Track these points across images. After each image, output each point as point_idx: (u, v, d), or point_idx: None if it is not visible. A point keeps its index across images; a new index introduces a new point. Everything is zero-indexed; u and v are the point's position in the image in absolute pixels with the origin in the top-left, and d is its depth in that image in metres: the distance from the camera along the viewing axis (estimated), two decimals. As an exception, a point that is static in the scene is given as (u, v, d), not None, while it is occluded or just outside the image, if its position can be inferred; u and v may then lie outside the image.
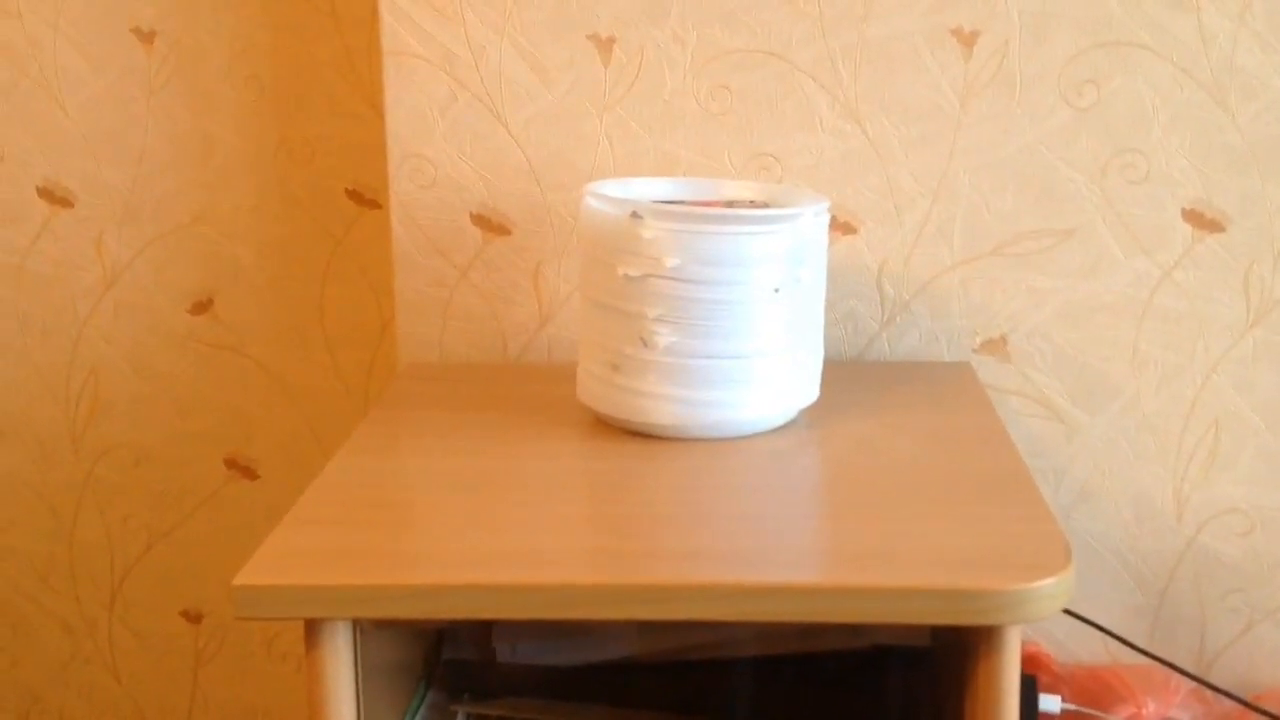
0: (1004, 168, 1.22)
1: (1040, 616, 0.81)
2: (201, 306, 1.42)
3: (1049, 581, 0.81)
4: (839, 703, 1.08)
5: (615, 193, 1.09)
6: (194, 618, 1.50)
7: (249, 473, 1.46)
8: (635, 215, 1.00)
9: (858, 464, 1.00)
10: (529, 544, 0.87)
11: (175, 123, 1.38)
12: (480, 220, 1.26)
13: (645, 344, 1.02)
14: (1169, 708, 1.25)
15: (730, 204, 1.10)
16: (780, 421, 1.07)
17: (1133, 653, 1.24)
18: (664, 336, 1.01)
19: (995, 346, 1.26)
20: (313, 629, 0.84)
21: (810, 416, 1.09)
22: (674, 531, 0.89)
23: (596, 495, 0.96)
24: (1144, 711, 1.24)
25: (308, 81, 1.36)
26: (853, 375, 1.21)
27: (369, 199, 1.38)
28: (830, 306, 1.23)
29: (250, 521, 1.47)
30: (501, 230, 1.26)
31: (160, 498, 1.47)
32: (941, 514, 0.91)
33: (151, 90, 1.37)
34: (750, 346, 1.02)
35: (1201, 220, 1.22)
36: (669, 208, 1.00)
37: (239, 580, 0.82)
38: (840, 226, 1.24)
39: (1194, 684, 1.25)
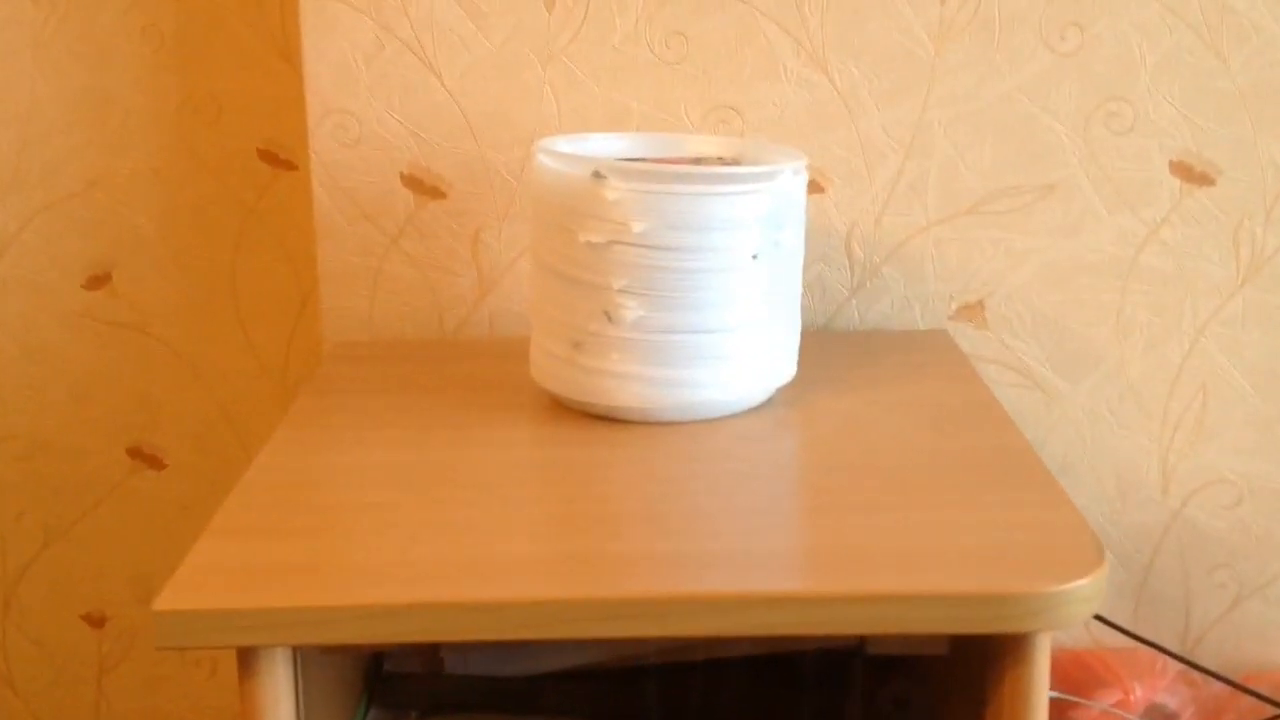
0: (981, 119, 1.13)
1: (1073, 622, 0.73)
2: (98, 281, 1.29)
3: (1083, 583, 0.72)
4: (815, 708, 1.00)
5: (568, 149, 0.98)
6: (97, 621, 1.37)
7: (155, 462, 1.33)
8: (597, 175, 0.89)
9: (847, 447, 0.91)
10: (487, 551, 0.76)
11: (66, 78, 1.24)
12: (412, 182, 1.14)
13: (610, 318, 0.91)
14: (1156, 692, 1.18)
15: (698, 161, 0.99)
16: (757, 401, 0.97)
17: (1116, 634, 1.17)
18: (631, 310, 0.91)
19: (972, 312, 1.17)
20: (248, 657, 0.73)
21: (786, 394, 1.00)
22: (649, 531, 0.79)
23: (559, 490, 0.85)
24: (1130, 697, 1.17)
25: (213, 31, 1.23)
26: (822, 346, 1.11)
27: (284, 160, 1.26)
28: (798, 272, 1.13)
29: (158, 516, 1.34)
30: (435, 192, 1.14)
31: (57, 492, 1.34)
32: (950, 504, 0.82)
33: (39, 43, 1.23)
34: (727, 319, 0.92)
35: (1190, 173, 1.14)
36: (634, 166, 0.90)
37: (161, 605, 0.71)
38: (807, 185, 1.14)
39: (1181, 666, 1.18)
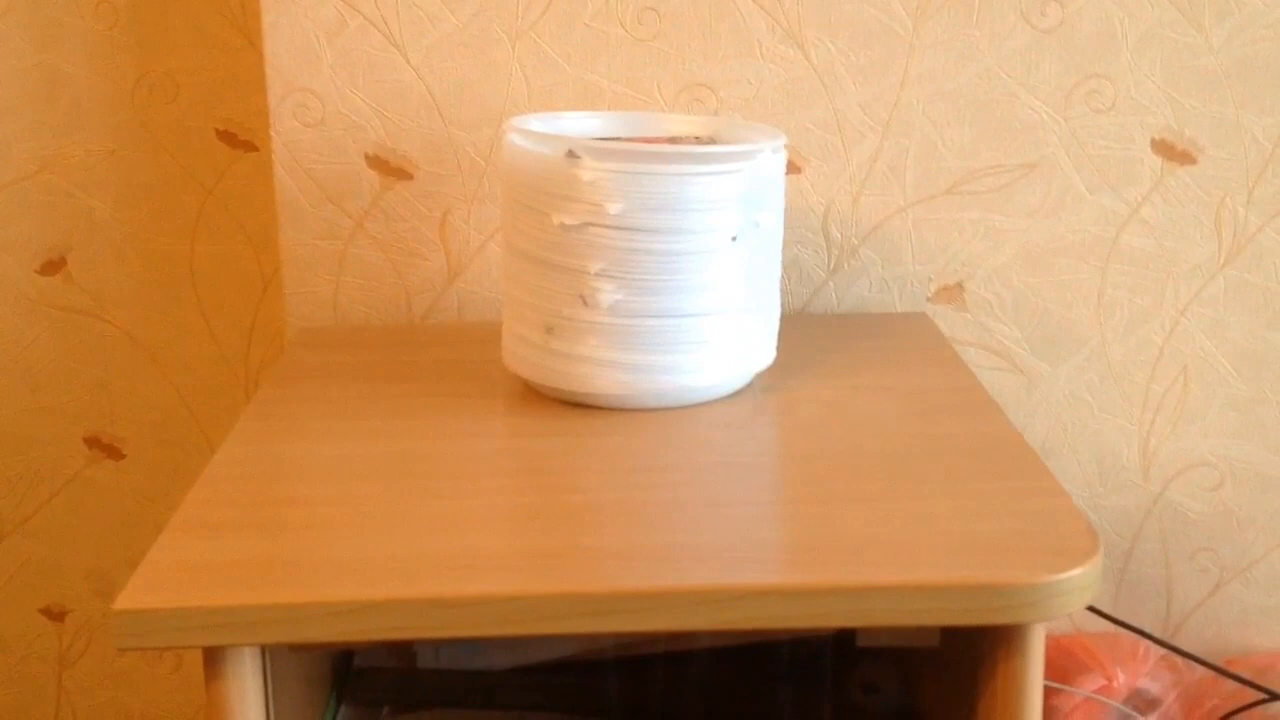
0: (960, 97, 1.10)
1: (1067, 611, 0.71)
2: (53, 266, 1.25)
3: (1078, 572, 0.70)
4: (789, 699, 0.98)
5: (540, 129, 0.95)
6: (56, 615, 1.34)
7: (113, 452, 1.30)
8: (571, 154, 0.86)
9: (829, 434, 0.88)
10: (460, 545, 0.73)
11: (16, 56, 1.20)
12: (377, 162, 1.11)
13: (585, 303, 0.88)
14: (1138, 677, 1.17)
15: (674, 140, 0.96)
16: (735, 387, 0.94)
17: (1097, 619, 1.16)
18: (607, 294, 0.88)
19: (951, 294, 1.15)
20: (214, 657, 0.70)
21: (765, 379, 0.97)
22: (627, 523, 0.76)
23: (533, 481, 0.82)
24: (1113, 684, 1.15)
25: (169, 6, 1.19)
26: (800, 330, 1.09)
27: (244, 140, 1.22)
28: (775, 254, 1.11)
29: (117, 507, 1.31)
30: (402, 173, 1.11)
31: (13, 483, 1.30)
32: (937, 492, 0.79)
33: (-15, 18, 1.19)
34: (706, 303, 0.89)
35: (1172, 151, 1.12)
36: (610, 145, 0.87)
37: (122, 603, 0.68)
38: (783, 164, 1.11)
39: (1164, 650, 1.16)
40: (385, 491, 0.80)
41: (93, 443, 1.30)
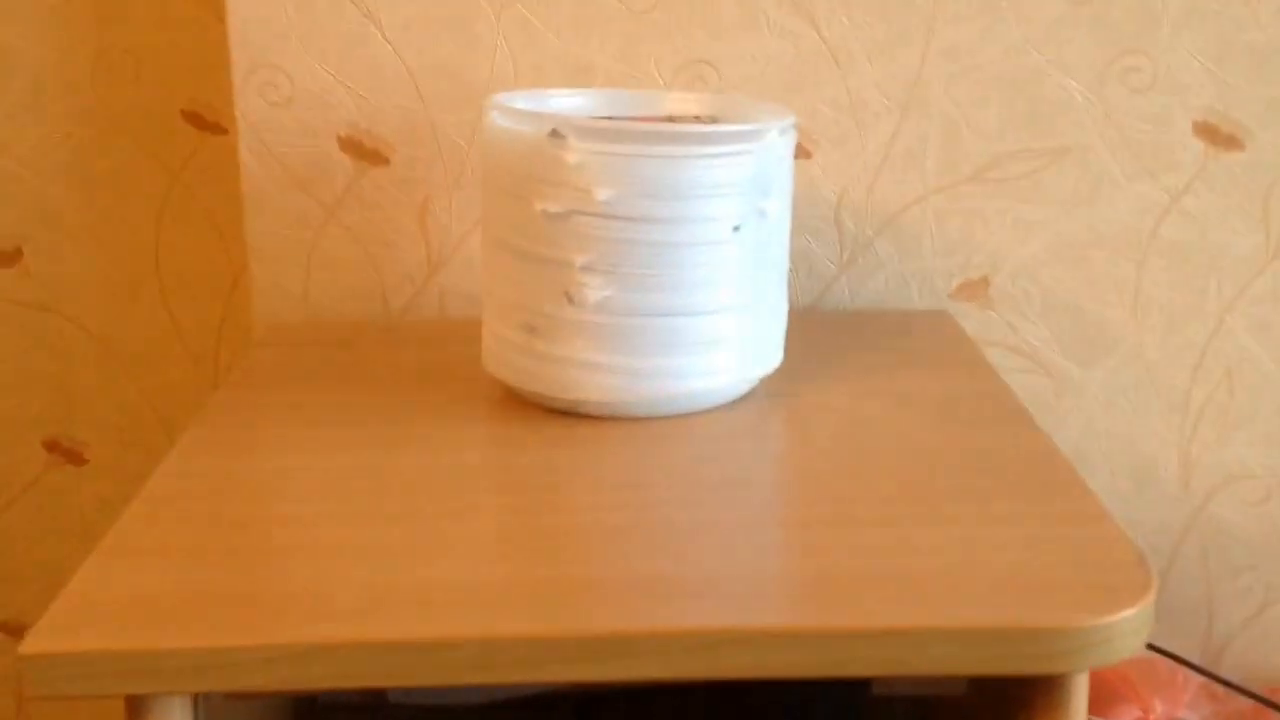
0: (985, 76, 1.01)
1: (1116, 659, 0.62)
2: (7, 258, 1.16)
3: (1130, 613, 0.61)
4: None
5: (528, 106, 0.86)
6: (14, 631, 1.25)
7: (75, 457, 1.21)
8: (555, 134, 0.77)
9: (842, 447, 0.79)
10: (426, 576, 0.65)
11: (-36, 30, 1.11)
12: (351, 145, 1.02)
13: (571, 299, 0.79)
14: (1179, 707, 1.07)
15: (672, 119, 0.87)
16: (739, 393, 0.85)
17: (1131, 642, 1.07)
18: (594, 289, 0.79)
19: (975, 290, 1.06)
20: (138, 708, 0.61)
21: (771, 384, 0.88)
22: (614, 551, 0.67)
23: (511, 501, 0.73)
24: (1151, 715, 1.06)
25: (130, -22, 1.10)
26: (810, 328, 1.00)
27: (212, 122, 1.13)
28: (783, 246, 1.02)
29: (78, 515, 1.22)
30: (378, 158, 1.02)
31: (-34, 490, 1.21)
32: (966, 515, 0.70)
33: (-68, -10, 1.10)
34: (705, 300, 0.80)
35: (1216, 135, 1.03)
36: (598, 124, 0.78)
37: (29, 647, 0.59)
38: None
39: (1204, 678, 1.07)
40: (343, 512, 0.71)
41: (52, 447, 1.21)
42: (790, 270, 1.02)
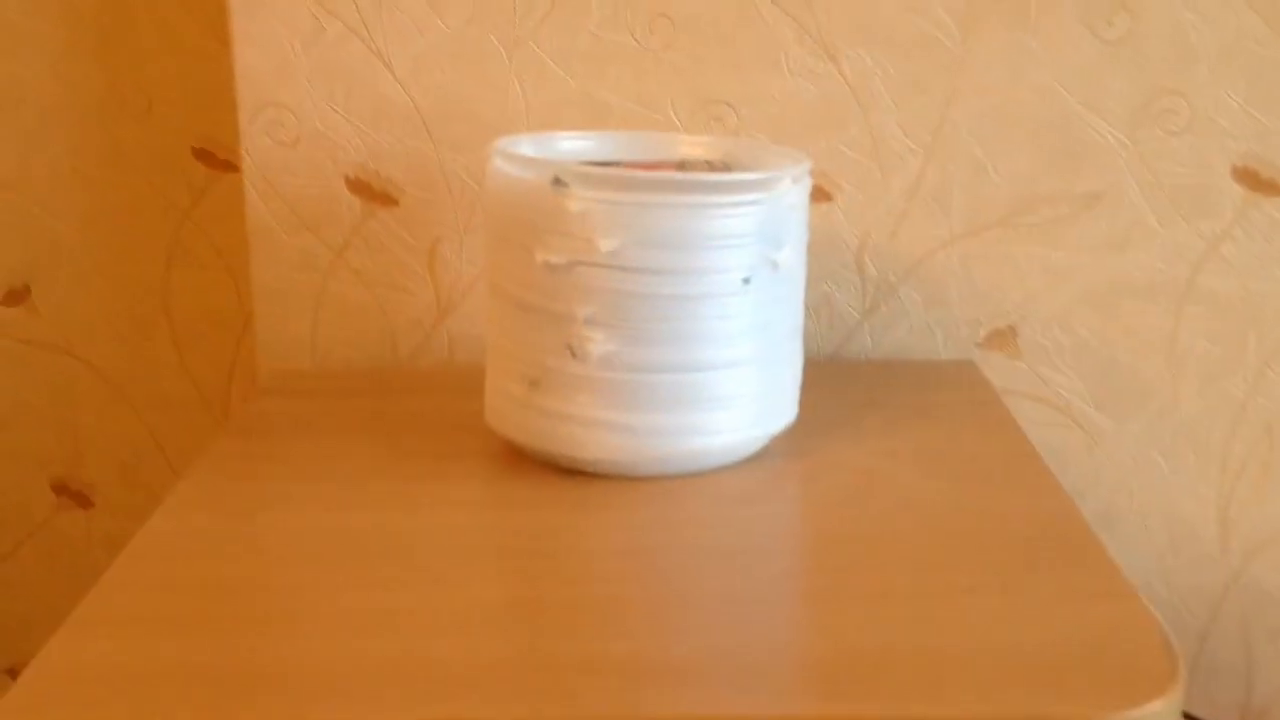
0: (1014, 117, 0.97)
1: (1140, 750, 0.58)
2: (16, 296, 1.14)
3: (1153, 707, 0.57)
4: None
5: (531, 151, 0.83)
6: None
7: (82, 500, 1.19)
8: (558, 182, 0.74)
9: (857, 511, 0.75)
10: (420, 652, 0.62)
11: (-27, 66, 1.10)
12: (359, 186, 0.99)
13: (573, 353, 0.76)
14: (1214, 776, 1.03)
15: (682, 165, 0.84)
16: (749, 451, 0.82)
17: (1166, 706, 1.02)
18: (597, 343, 0.76)
19: (1003, 339, 1.02)
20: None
21: (785, 441, 0.85)
22: (616, 627, 0.64)
23: (508, 567, 0.70)
24: (1185, 783, 1.01)
25: (141, 11, 1.08)
26: (830, 378, 0.96)
27: (223, 160, 1.11)
28: (802, 293, 0.99)
29: (86, 558, 1.20)
30: (386, 199, 1.00)
31: (-28, 531, 1.19)
32: (983, 587, 0.66)
33: (-58, 25, 1.09)
34: (712, 355, 0.77)
35: (1256, 180, 0.98)
36: (603, 172, 0.75)
37: (-11, 726, 0.56)
38: (812, 193, 0.99)
39: (1242, 745, 1.03)
40: (334, 579, 0.68)
41: (60, 489, 1.19)
42: (809, 318, 0.99)
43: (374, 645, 0.62)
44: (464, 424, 0.88)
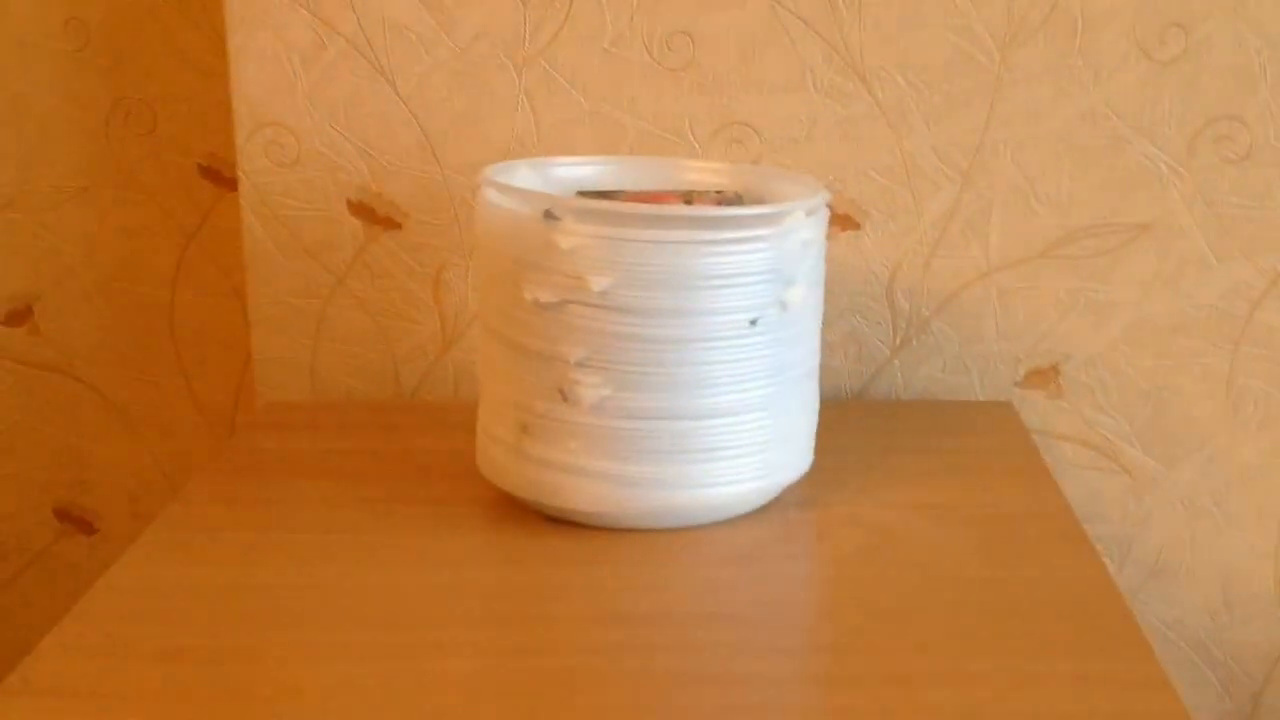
0: (1058, 142, 0.91)
1: None
2: (18, 317, 1.11)
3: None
4: None
5: (527, 178, 0.78)
6: (23, 704, 1.19)
7: (85, 526, 1.15)
8: (549, 215, 0.69)
9: (871, 575, 0.69)
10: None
11: (-24, 80, 1.06)
12: (361, 210, 0.95)
13: (565, 397, 0.71)
14: None
15: (690, 195, 0.79)
16: (756, 504, 0.76)
17: (1217, 774, 0.95)
18: (590, 388, 0.70)
19: (1044, 378, 0.95)
20: None
21: (799, 491, 0.79)
22: (608, 706, 0.58)
23: (494, 634, 0.65)
24: None
25: (146, 26, 1.04)
26: (854, 420, 0.90)
27: (229, 178, 1.07)
28: (825, 326, 0.93)
29: (88, 585, 1.15)
30: (390, 223, 0.95)
31: (-27, 557, 1.16)
32: (1002, 673, 0.60)
33: (-56, 37, 1.05)
34: (715, 403, 0.71)
35: (1321, 212, 0.91)
36: (598, 205, 0.69)
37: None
38: (839, 220, 0.93)
39: (1299, 818, 0.95)
40: (295, 644, 0.63)
41: (63, 515, 1.15)
42: (834, 355, 0.93)
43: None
44: (460, 466, 0.83)
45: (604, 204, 0.69)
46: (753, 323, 0.71)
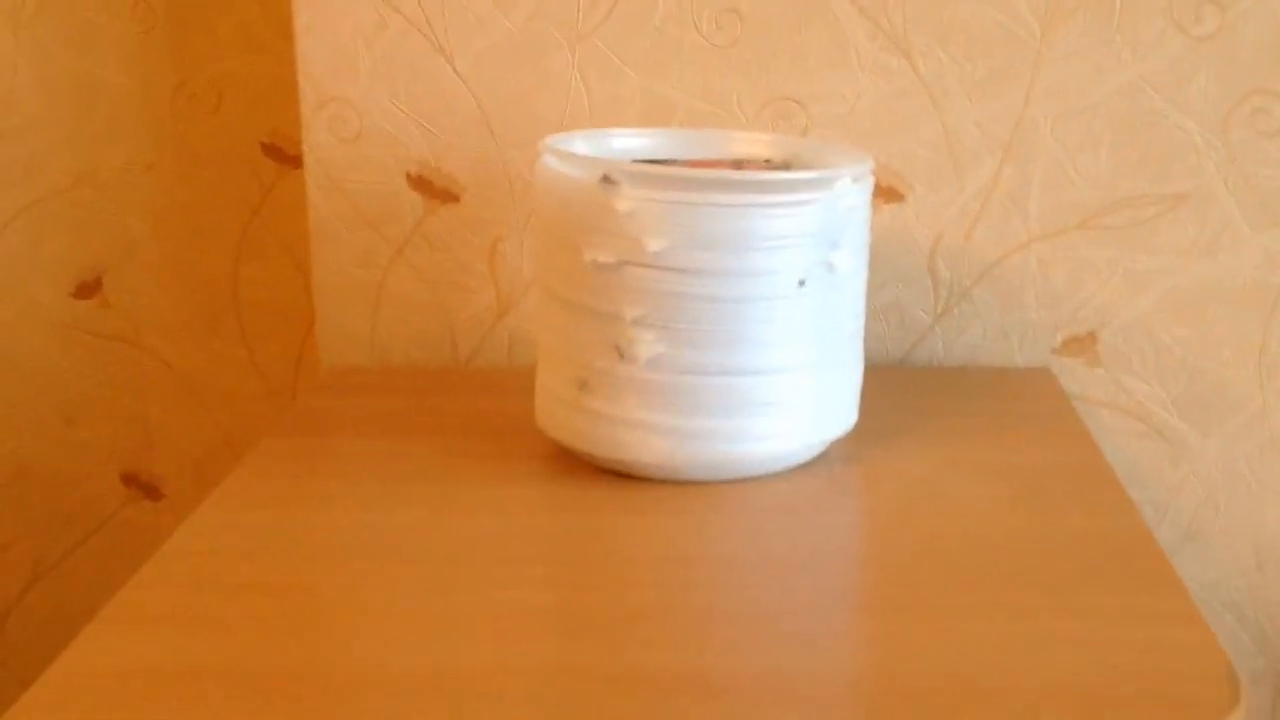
0: (1096, 115, 0.94)
1: (1197, 787, 0.54)
2: (88, 289, 1.15)
3: (1211, 736, 0.54)
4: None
5: (583, 148, 0.81)
6: (91, 664, 1.24)
7: (152, 491, 1.19)
8: (607, 180, 0.72)
9: (913, 524, 0.73)
10: (458, 660, 0.60)
11: (49, 63, 1.10)
12: (420, 183, 0.98)
13: (622, 355, 0.74)
14: (1300, 807, 0.98)
15: (739, 164, 0.82)
16: (804, 458, 0.79)
17: (1250, 732, 0.97)
18: (646, 345, 0.73)
19: (1081, 345, 0.98)
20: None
21: (844, 447, 0.82)
22: (658, 638, 0.61)
23: (549, 574, 0.68)
24: (1269, 814, 0.97)
25: (212, 8, 1.08)
26: (897, 385, 0.93)
27: (291, 155, 1.11)
28: (869, 295, 0.96)
29: (154, 549, 1.20)
30: (448, 196, 0.98)
31: (45, 522, 1.20)
32: (1040, 608, 0.63)
33: (18, 23, 1.09)
34: (766, 359, 0.74)
35: (1354, 183, 0.94)
36: (653, 170, 0.73)
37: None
38: (883, 192, 0.96)
39: (1331, 776, 0.98)
40: (368, 581, 0.67)
41: (130, 480, 1.20)
42: (878, 321, 0.96)
43: (408, 650, 0.60)
44: (517, 424, 0.87)
45: (660, 169, 0.73)
46: (801, 283, 0.74)
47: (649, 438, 0.75)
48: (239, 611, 0.64)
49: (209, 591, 0.66)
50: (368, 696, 0.57)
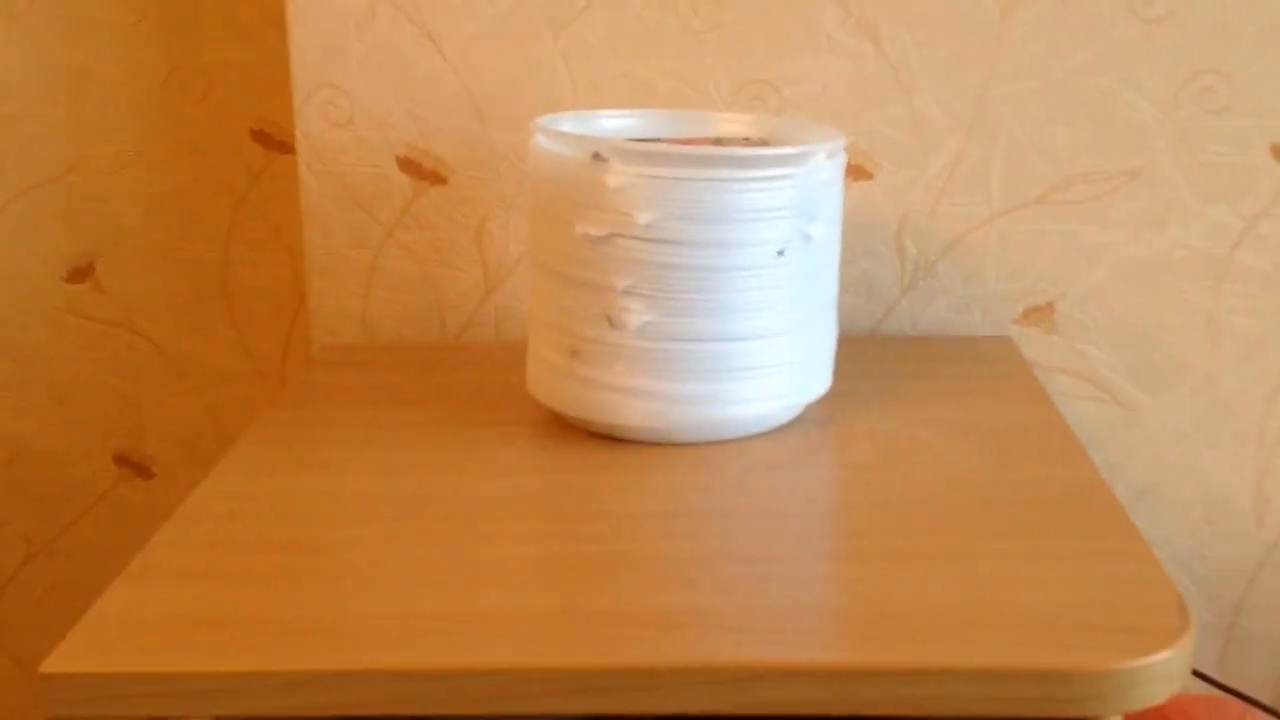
0: (1053, 95, 0.99)
1: (1147, 704, 0.59)
2: (80, 274, 1.18)
3: (1164, 656, 0.59)
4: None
5: (573, 128, 0.85)
6: (85, 640, 1.27)
7: (143, 471, 1.23)
8: (597, 157, 0.77)
9: (887, 477, 0.77)
10: (453, 605, 0.64)
11: (41, 52, 1.13)
12: (409, 165, 1.02)
13: (612, 323, 0.79)
14: (1250, 749, 1.04)
15: (720, 142, 0.86)
16: (784, 419, 0.84)
17: (1200, 682, 1.03)
18: (635, 314, 0.78)
19: (1040, 315, 1.03)
20: (158, 729, 0.61)
21: (820, 410, 0.87)
22: (652, 581, 0.66)
23: (546, 528, 0.73)
24: (1221, 755, 1.02)
25: (201, -1, 1.12)
26: (868, 353, 0.98)
27: (279, 141, 1.14)
28: (842, 266, 1.01)
29: (147, 527, 1.24)
30: (436, 177, 1.02)
31: (39, 502, 1.23)
32: (1006, 551, 0.68)
33: (12, 15, 1.12)
34: (748, 325, 0.79)
35: (1295, 158, 0.99)
36: (641, 147, 0.77)
37: (50, 666, 0.60)
38: (852, 171, 1.01)
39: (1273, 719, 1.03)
40: (375, 537, 0.71)
41: (122, 460, 1.23)
42: (849, 294, 1.00)
43: (417, 598, 0.65)
44: (507, 395, 0.91)
45: (648, 146, 0.77)
46: (780, 253, 0.78)
47: (638, 402, 0.80)
48: (256, 566, 0.68)
49: (226, 549, 0.70)
50: (383, 637, 0.61)
